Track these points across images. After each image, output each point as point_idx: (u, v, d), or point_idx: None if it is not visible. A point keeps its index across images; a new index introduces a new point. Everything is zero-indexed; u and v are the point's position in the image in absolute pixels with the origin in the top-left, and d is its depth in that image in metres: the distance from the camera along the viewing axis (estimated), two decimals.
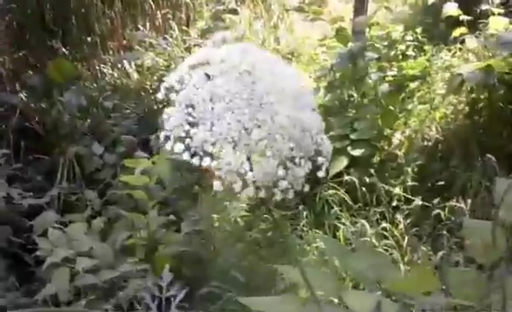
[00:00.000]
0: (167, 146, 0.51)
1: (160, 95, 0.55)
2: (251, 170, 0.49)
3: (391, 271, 0.83)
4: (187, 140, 0.50)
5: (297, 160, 0.51)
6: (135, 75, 3.43)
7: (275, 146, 0.49)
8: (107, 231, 2.00)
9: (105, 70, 3.51)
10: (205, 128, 0.50)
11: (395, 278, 0.81)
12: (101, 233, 1.99)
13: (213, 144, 0.50)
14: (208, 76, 0.53)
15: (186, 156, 0.51)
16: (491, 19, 2.43)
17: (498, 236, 0.96)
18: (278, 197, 0.50)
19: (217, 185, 0.50)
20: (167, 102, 0.56)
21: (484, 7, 2.52)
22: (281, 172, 0.50)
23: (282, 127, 0.50)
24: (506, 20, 2.41)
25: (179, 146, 0.51)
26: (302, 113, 0.52)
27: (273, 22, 4.42)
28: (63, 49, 3.65)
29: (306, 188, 0.52)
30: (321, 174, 0.53)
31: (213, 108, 0.50)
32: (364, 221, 1.87)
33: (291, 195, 0.51)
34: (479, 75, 2.01)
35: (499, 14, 2.45)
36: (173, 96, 0.54)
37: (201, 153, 0.50)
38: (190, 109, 0.52)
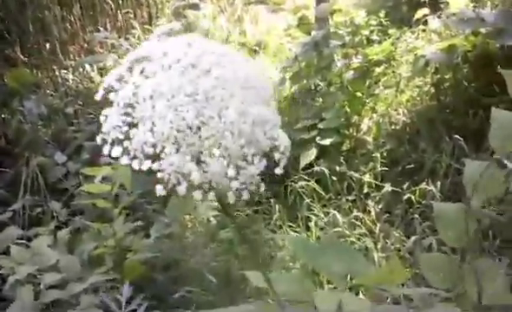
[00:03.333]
0: (105, 150, 0.47)
1: (98, 96, 0.51)
2: (199, 170, 0.46)
3: (362, 265, 0.80)
4: (126, 143, 0.46)
5: (249, 158, 0.47)
6: (98, 78, 3.33)
7: (224, 143, 0.46)
8: (73, 243, 1.93)
9: (66, 75, 3.41)
10: (145, 129, 0.46)
11: (366, 272, 0.78)
12: (68, 245, 1.92)
13: (154, 145, 0.46)
14: (141, 71, 0.49)
15: (125, 160, 0.47)
16: None
17: (469, 218, 0.94)
18: (231, 199, 0.47)
19: (159, 188, 0.46)
20: (106, 103, 0.51)
21: None
22: (232, 171, 0.46)
23: (231, 123, 0.46)
24: None
25: (117, 150, 0.47)
26: (254, 107, 0.48)
27: (237, 15, 4.37)
28: (22, 57, 3.53)
29: (262, 188, 0.48)
30: (278, 171, 0.49)
31: (153, 107, 0.46)
32: (335, 211, 1.85)
33: (245, 196, 0.47)
34: (442, 55, 2.00)
35: None
36: (112, 96, 0.50)
37: (141, 156, 0.46)
38: (129, 109, 0.48)
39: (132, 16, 3.97)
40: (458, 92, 2.15)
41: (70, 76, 3.38)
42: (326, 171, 2.06)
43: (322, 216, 1.93)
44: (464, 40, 2.09)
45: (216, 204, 2.18)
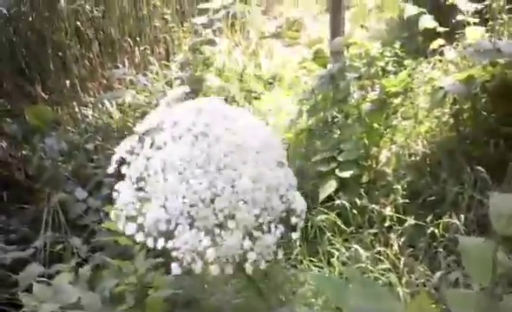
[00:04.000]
0: (119, 226, 0.47)
1: (110, 170, 0.51)
2: (213, 245, 0.44)
3: (388, 301, 0.79)
4: (140, 219, 0.45)
5: (265, 227, 0.46)
6: (117, 114, 3.39)
7: (238, 215, 0.45)
8: (95, 280, 1.93)
9: (86, 112, 3.47)
10: (158, 204, 0.45)
11: (393, 309, 0.76)
12: (89, 282, 1.92)
13: (168, 221, 0.45)
14: (152, 143, 0.49)
15: (139, 237, 0.46)
16: (467, 29, 2.43)
17: (496, 253, 0.93)
18: (249, 270, 0.45)
19: (175, 267, 0.45)
20: (119, 176, 0.51)
21: (460, 17, 2.53)
22: (247, 243, 0.45)
23: (245, 192, 0.45)
24: (482, 29, 2.42)
25: (131, 227, 0.46)
26: (268, 171, 0.47)
27: (252, 49, 4.43)
28: (42, 94, 3.61)
29: (280, 255, 0.47)
30: (295, 236, 0.48)
31: (166, 180, 0.45)
32: (357, 246, 1.83)
33: (263, 265, 0.46)
34: (461, 86, 2.00)
35: (474, 23, 2.46)
36: (124, 169, 0.50)
37: (155, 234, 0.45)
38: (142, 183, 0.47)
39: (149, 52, 4.05)
40: (477, 122, 2.14)
41: (90, 112, 3.44)
42: (347, 204, 2.04)
43: (343, 250, 1.90)
44: (482, 70, 2.09)
45: None
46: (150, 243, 0.45)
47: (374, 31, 3.33)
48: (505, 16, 2.50)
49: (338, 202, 2.06)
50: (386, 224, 1.99)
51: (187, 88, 0.53)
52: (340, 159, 2.25)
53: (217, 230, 0.45)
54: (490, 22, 2.54)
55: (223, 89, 3.49)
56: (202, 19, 3.37)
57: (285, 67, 4.28)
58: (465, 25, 2.51)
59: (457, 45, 2.58)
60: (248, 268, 0.45)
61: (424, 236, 1.77)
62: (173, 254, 0.44)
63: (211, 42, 3.38)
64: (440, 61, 2.68)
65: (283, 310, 0.74)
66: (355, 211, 2.04)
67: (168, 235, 0.45)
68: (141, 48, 4.05)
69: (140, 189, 0.47)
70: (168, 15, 4.20)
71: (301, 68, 3.80)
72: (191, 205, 0.44)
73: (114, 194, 0.48)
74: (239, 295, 1.76)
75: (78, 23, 3.86)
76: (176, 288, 1.80)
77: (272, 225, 0.47)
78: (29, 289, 1.87)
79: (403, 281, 1.65)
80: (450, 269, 1.60)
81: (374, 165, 2.35)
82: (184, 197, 0.44)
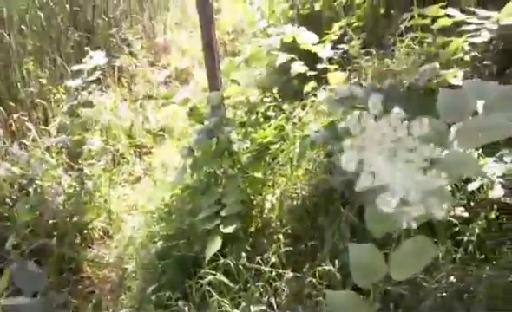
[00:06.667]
0: None
1: None
2: None
3: None
4: None
5: None
6: None
7: None
8: None
9: None
10: None
11: None
12: None
13: None
14: None
15: None
16: (329, 74, 2.58)
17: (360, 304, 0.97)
18: None
19: None
20: None
21: (321, 66, 2.68)
22: None
23: None
24: (343, 74, 2.57)
25: None
26: None
27: (140, 103, 4.36)
28: None
29: None
30: None
31: None
32: (243, 304, 1.81)
33: None
34: (325, 133, 2.09)
35: (335, 69, 2.61)
36: None
37: None
38: None
39: (26, 118, 3.83)
40: None
41: None
42: (232, 261, 2.03)
43: (234, 311, 1.88)
44: (343, 115, 2.20)
45: None
46: None
47: (252, 78, 3.42)
48: (362, 61, 2.68)
49: (222, 261, 2.04)
50: (273, 274, 2.00)
51: None
52: (223, 214, 2.24)
53: None
54: (349, 67, 2.71)
55: (105, 150, 3.37)
56: (77, 81, 3.25)
57: (174, 118, 4.26)
58: (328, 70, 2.66)
59: (325, 88, 2.71)
60: None
61: (305, 286, 1.80)
62: None
63: (87, 104, 3.26)
64: (313, 101, 2.81)
65: None
66: (241, 267, 2.03)
67: None
68: (16, 115, 3.81)
69: None
70: (44, 78, 4.02)
71: (189, 120, 3.79)
72: None
73: None
74: None
75: None
76: None
77: None
78: None
79: None
80: None
81: (259, 214, 2.37)
82: None
